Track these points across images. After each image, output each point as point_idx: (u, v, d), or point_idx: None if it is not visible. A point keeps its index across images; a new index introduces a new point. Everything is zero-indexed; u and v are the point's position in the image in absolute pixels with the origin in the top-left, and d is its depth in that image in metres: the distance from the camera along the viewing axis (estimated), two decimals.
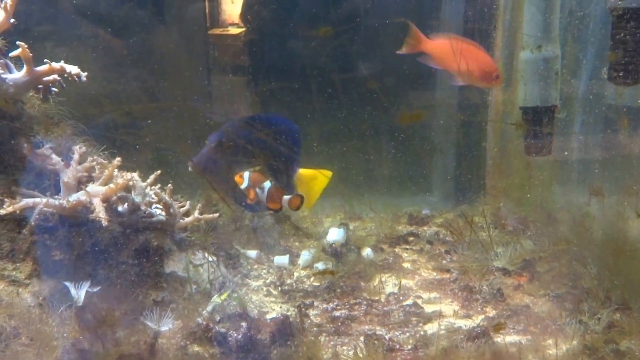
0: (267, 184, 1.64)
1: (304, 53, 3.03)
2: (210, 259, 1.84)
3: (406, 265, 2.26)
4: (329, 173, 1.74)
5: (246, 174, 1.64)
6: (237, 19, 2.97)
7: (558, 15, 2.18)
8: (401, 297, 1.95)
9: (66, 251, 1.49)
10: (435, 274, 2.18)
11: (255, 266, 2.22)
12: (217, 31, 2.98)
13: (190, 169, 1.53)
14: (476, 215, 3.04)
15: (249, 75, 3.08)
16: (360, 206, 3.10)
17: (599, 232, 2.15)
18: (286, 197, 1.65)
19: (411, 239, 2.58)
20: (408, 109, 2.85)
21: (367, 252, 2.23)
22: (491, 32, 3.04)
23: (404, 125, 2.97)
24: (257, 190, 1.65)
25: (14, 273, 1.45)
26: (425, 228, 2.78)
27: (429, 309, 1.87)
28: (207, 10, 3.03)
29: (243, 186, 1.63)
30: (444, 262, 2.27)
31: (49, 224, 1.46)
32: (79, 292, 1.24)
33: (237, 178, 1.64)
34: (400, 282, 2.07)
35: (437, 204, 3.20)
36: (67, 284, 1.27)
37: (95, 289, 1.29)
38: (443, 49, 1.86)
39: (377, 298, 1.95)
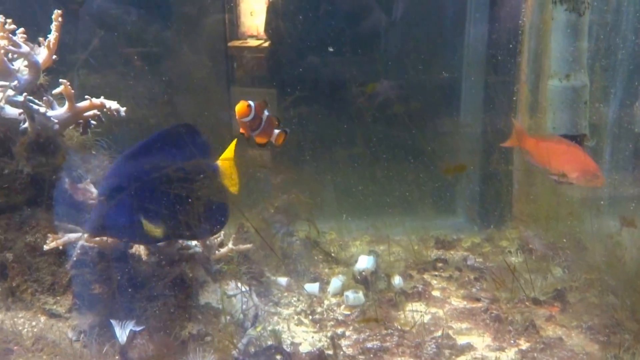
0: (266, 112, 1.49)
1: (325, 69, 3.01)
2: (243, 288, 1.82)
3: (436, 293, 2.22)
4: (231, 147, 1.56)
5: (252, 104, 1.45)
6: (255, 32, 2.95)
7: (586, 44, 2.15)
8: (432, 328, 1.90)
9: (105, 284, 1.49)
10: (465, 302, 2.13)
11: (286, 294, 2.20)
12: (236, 43, 2.96)
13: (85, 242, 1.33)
14: (503, 239, 2.98)
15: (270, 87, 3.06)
16: (386, 228, 3.07)
17: (632, 263, 2.08)
18: (276, 131, 1.52)
19: (440, 264, 2.54)
20: (451, 161, 2.83)
21: (397, 280, 2.19)
22: (515, 56, 3.00)
23: (446, 172, 2.93)
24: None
25: (55, 307, 1.46)
26: (452, 252, 2.74)
27: (460, 340, 1.83)
28: (226, 23, 3.03)
29: (248, 119, 1.44)
30: (473, 290, 2.22)
31: (88, 258, 1.46)
32: (123, 331, 1.23)
33: (242, 109, 1.44)
34: (430, 311, 2.03)
35: (462, 226, 3.15)
36: (113, 322, 1.27)
37: (139, 328, 1.28)
38: (545, 149, 1.82)
39: (408, 328, 1.90)
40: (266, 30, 2.94)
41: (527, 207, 3.00)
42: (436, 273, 2.48)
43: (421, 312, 2.06)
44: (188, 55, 2.98)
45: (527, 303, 2.03)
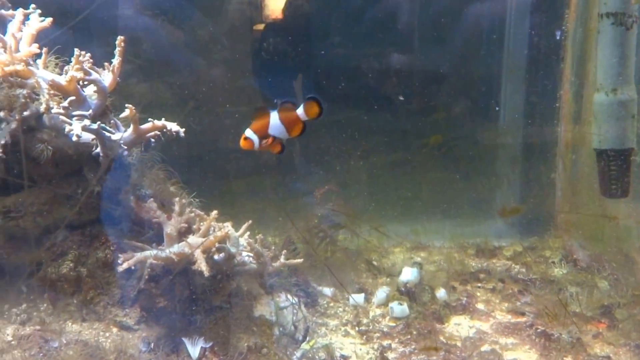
0: (274, 116, 1.44)
1: (355, 62, 3.02)
2: (292, 300, 1.92)
3: (480, 306, 2.28)
4: None
5: (248, 132, 1.44)
6: (279, 14, 2.94)
7: (634, 57, 2.16)
8: (478, 342, 1.96)
9: (169, 298, 1.61)
10: (510, 316, 2.18)
11: (332, 304, 2.29)
12: (260, 27, 2.97)
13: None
14: (546, 249, 3.00)
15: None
16: (425, 234, 3.12)
17: None
18: (300, 111, 1.44)
19: (482, 276, 2.58)
20: (507, 205, 2.90)
21: (441, 292, 2.26)
22: (558, 63, 3.00)
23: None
24: (272, 133, 1.45)
25: (125, 319, 1.59)
26: (494, 261, 2.78)
27: (507, 356, 1.88)
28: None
29: (256, 147, 1.44)
30: (518, 303, 2.26)
31: (153, 273, 1.58)
32: (195, 348, 1.35)
33: (244, 144, 1.44)
34: (475, 325, 2.09)
35: (502, 232, 3.17)
36: (185, 339, 1.39)
37: (208, 345, 1.40)
38: None
39: (454, 343, 1.97)
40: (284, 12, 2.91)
41: (571, 216, 3.00)
42: (479, 284, 2.53)
43: (465, 325, 2.12)
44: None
45: (573, 319, 2.06)
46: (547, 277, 2.58)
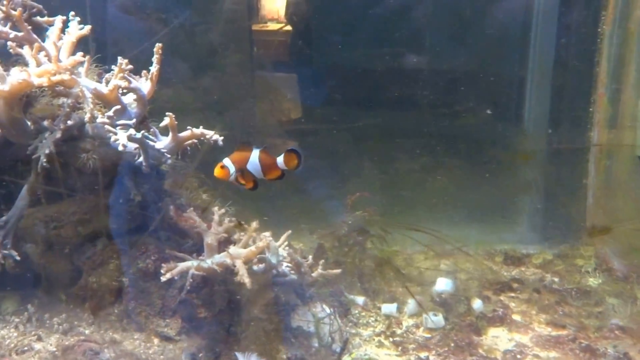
0: (255, 154, 1.47)
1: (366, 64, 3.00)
2: (329, 310, 1.92)
3: (516, 317, 2.26)
4: None
5: (227, 161, 1.47)
6: (276, 15, 2.90)
7: None
8: (518, 356, 1.95)
9: (209, 308, 1.62)
10: (549, 329, 2.16)
11: (363, 313, 2.29)
12: (257, 27, 2.92)
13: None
14: (577, 257, 2.97)
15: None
16: (451, 240, 3.09)
17: None
18: (280, 160, 1.48)
19: (516, 285, 2.56)
20: (596, 224, 2.88)
21: (477, 303, 2.24)
22: (592, 65, 2.96)
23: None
24: (249, 168, 1.47)
25: (166, 329, 1.60)
26: (523, 269, 2.76)
27: None
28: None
29: (231, 178, 1.47)
30: (556, 315, 2.24)
31: (194, 283, 1.59)
32: None
33: (219, 173, 1.47)
34: (514, 338, 2.08)
35: (528, 238, 3.13)
36: (237, 354, 1.39)
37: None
38: None
39: (493, 356, 1.96)
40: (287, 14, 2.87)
41: (604, 222, 2.97)
42: (513, 294, 2.51)
43: (504, 337, 2.11)
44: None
45: (616, 332, 2.04)
46: (582, 287, 2.56)
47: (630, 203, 2.82)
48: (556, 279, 2.64)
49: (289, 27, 2.90)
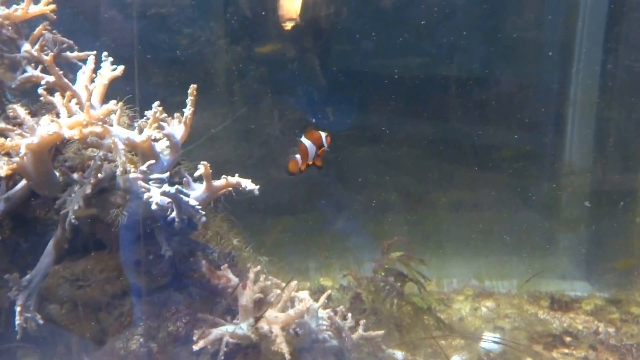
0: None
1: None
2: None
3: None
4: None
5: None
6: (294, 15, 2.86)
7: None
8: None
9: None
10: None
11: None
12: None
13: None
14: (632, 303, 2.83)
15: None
16: (488, 277, 2.99)
17: None
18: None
19: (568, 339, 2.42)
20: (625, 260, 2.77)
21: None
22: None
23: None
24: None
25: None
26: (571, 315, 2.63)
27: None
28: None
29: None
30: None
31: (228, 350, 1.50)
32: None
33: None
34: None
35: (570, 276, 2.98)
36: None
37: None
38: None
39: None
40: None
41: None
42: (567, 351, 2.37)
43: None
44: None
45: None
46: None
47: None
48: (611, 330, 2.50)
49: None
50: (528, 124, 3.05)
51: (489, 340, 2.20)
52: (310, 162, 1.69)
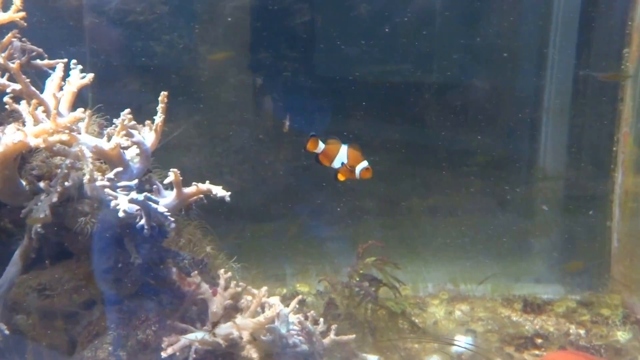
0: (344, 149, 1.72)
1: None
2: None
3: None
4: None
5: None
6: None
7: None
8: None
9: None
10: None
11: None
12: None
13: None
14: (603, 305, 2.89)
15: None
16: (464, 281, 3.03)
17: None
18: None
19: (539, 341, 2.48)
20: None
21: None
22: (614, 103, 2.92)
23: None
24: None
25: None
26: (544, 317, 2.68)
27: None
28: None
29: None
30: None
31: (199, 357, 1.51)
32: None
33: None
34: None
35: (544, 278, 3.02)
36: None
37: None
38: None
39: None
40: None
41: (632, 270, 2.91)
42: (537, 352, 2.42)
43: None
44: None
45: None
46: (611, 344, 2.48)
47: None
48: (582, 332, 2.56)
49: None
50: (503, 130, 3.10)
51: (459, 345, 2.24)
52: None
